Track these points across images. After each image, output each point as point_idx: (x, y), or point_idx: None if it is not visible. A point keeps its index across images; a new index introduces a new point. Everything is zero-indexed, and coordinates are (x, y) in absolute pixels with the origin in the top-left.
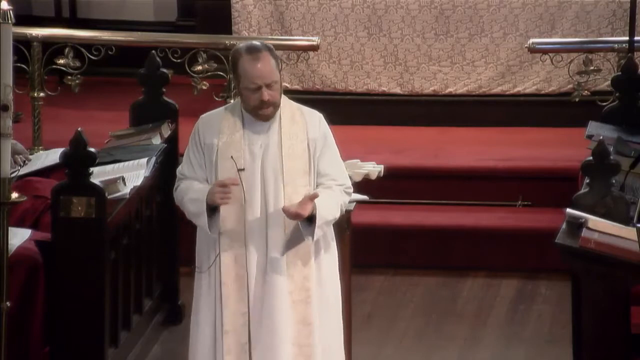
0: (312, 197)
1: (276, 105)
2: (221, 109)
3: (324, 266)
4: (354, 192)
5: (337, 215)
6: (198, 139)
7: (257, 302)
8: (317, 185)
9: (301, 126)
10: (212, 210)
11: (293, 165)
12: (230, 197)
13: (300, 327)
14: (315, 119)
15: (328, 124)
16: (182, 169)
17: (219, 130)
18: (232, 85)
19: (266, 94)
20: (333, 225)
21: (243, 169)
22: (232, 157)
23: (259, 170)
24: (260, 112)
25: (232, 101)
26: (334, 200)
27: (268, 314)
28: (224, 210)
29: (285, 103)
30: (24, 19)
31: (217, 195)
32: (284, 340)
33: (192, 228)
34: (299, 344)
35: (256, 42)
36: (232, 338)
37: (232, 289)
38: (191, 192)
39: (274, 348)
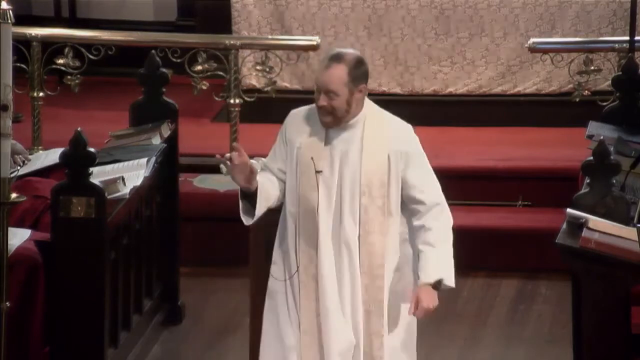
0: (426, 290)
1: (336, 117)
2: (312, 106)
3: (400, 280)
4: None
5: (452, 250)
6: (284, 132)
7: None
8: (405, 198)
9: (385, 137)
10: (250, 198)
11: (371, 176)
12: (232, 162)
13: (373, 338)
14: (402, 132)
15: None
16: (265, 160)
17: (301, 130)
18: (232, 85)
19: (322, 100)
20: None
21: (321, 171)
22: (312, 158)
23: (336, 175)
24: (319, 116)
25: (232, 101)
26: (446, 249)
27: (341, 322)
28: (302, 212)
29: (373, 112)
30: (23, 19)
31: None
32: (356, 349)
33: (193, 229)
34: (371, 354)
35: (345, 51)
36: (309, 337)
37: (309, 289)
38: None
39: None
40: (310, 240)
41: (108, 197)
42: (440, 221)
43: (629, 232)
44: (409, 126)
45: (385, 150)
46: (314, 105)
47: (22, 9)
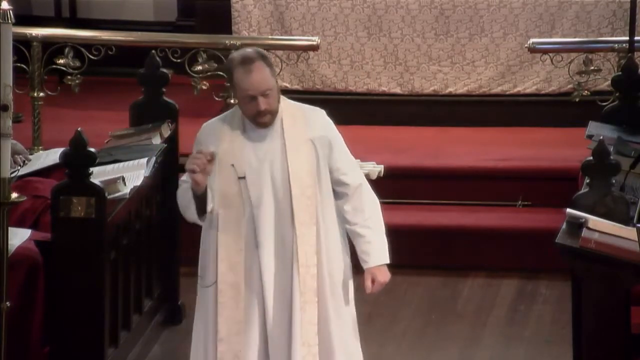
0: (376, 268)
1: (273, 112)
2: (222, 115)
3: (335, 267)
4: None
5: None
6: (199, 147)
7: (273, 306)
8: (333, 182)
9: (303, 126)
10: (202, 200)
11: (299, 167)
12: (199, 165)
13: (308, 327)
14: (317, 117)
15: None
16: (184, 177)
17: (218, 138)
18: None
19: (262, 104)
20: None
21: (244, 177)
22: (232, 165)
23: (268, 175)
24: (258, 120)
25: (232, 101)
26: (381, 230)
27: (281, 316)
28: (223, 216)
29: (286, 105)
30: (24, 19)
31: (189, 162)
32: (298, 342)
33: (193, 229)
34: (308, 344)
35: (249, 50)
36: (226, 346)
37: (227, 297)
38: (184, 185)
39: (288, 350)
40: (232, 248)
41: (108, 197)
42: (369, 201)
43: (629, 232)
44: (323, 111)
45: (307, 138)
46: (221, 115)
47: (22, 9)
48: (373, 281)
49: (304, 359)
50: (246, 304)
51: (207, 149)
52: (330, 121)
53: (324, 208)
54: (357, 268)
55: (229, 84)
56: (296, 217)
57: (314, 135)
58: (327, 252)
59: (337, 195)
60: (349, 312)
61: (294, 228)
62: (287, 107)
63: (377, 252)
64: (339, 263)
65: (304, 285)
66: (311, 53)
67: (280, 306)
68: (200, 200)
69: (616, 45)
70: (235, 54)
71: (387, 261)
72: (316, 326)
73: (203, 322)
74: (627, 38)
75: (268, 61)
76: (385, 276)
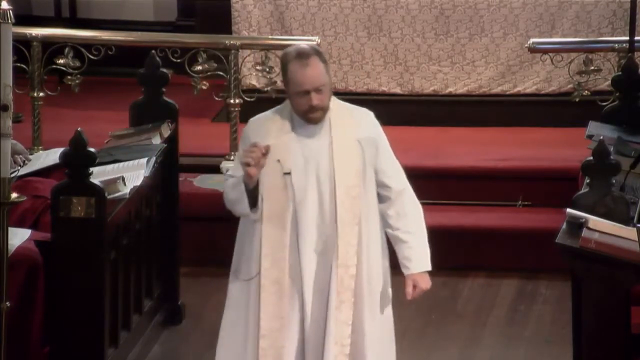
0: (419, 274)
1: (325, 109)
2: (270, 111)
3: (374, 268)
4: None
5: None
6: (248, 140)
7: (312, 303)
8: (377, 184)
9: (351, 126)
10: (253, 194)
11: (344, 166)
12: (254, 159)
13: (343, 328)
14: (365, 118)
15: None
16: (231, 171)
17: (266, 133)
18: (232, 85)
19: (315, 99)
20: None
21: (289, 173)
22: (278, 160)
23: (313, 172)
24: (309, 115)
25: (232, 101)
26: (424, 236)
27: (318, 314)
28: (267, 215)
29: (335, 104)
30: (24, 19)
31: (243, 154)
32: (331, 340)
33: (193, 229)
34: (341, 343)
35: (304, 46)
36: (268, 341)
37: (270, 292)
38: (232, 179)
39: (322, 348)
40: (276, 243)
41: (108, 197)
42: (412, 206)
43: (629, 232)
44: (371, 113)
45: (354, 138)
46: (270, 110)
47: (22, 9)
48: (414, 287)
49: (336, 358)
50: (287, 300)
51: (256, 142)
52: (378, 123)
53: (368, 209)
54: (393, 270)
55: (282, 79)
56: (339, 217)
57: (361, 135)
58: (367, 253)
59: (380, 198)
60: (386, 315)
61: (336, 227)
62: (336, 107)
63: (420, 258)
64: (378, 265)
65: (341, 285)
66: None
67: (319, 304)
68: (252, 194)
69: (616, 45)
70: (291, 49)
71: (429, 268)
72: (350, 326)
73: (239, 316)
74: (627, 38)
75: (323, 57)
76: (427, 283)
